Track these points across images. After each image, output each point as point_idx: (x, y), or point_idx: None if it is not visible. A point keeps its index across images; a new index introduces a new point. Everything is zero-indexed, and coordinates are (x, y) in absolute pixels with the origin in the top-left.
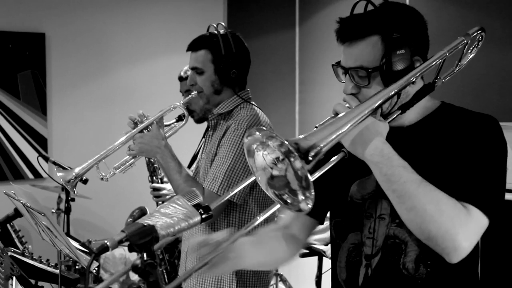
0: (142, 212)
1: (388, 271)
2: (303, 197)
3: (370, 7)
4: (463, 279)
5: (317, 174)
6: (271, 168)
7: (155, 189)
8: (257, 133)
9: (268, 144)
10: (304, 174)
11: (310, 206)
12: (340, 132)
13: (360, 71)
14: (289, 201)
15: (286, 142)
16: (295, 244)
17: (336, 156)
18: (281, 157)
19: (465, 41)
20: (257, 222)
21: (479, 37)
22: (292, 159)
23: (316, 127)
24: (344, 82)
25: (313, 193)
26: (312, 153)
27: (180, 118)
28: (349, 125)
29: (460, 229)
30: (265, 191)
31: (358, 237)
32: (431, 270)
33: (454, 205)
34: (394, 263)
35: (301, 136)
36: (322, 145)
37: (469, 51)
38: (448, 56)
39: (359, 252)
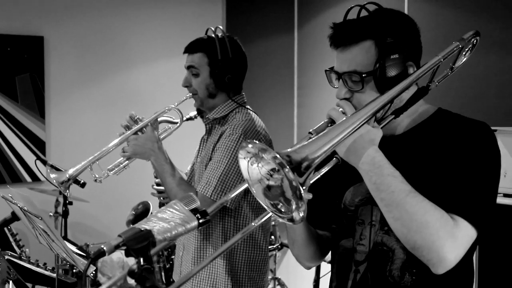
0: (146, 207)
1: (374, 278)
2: (296, 207)
3: (363, 13)
4: None
5: (310, 181)
6: (267, 179)
7: (158, 184)
8: (249, 146)
9: (262, 156)
10: (296, 186)
11: (302, 215)
12: (333, 143)
13: (353, 76)
14: (283, 209)
15: (278, 156)
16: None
17: (329, 163)
18: (276, 168)
19: (460, 45)
20: (252, 229)
21: (473, 41)
22: (286, 170)
23: (310, 132)
24: (337, 88)
25: (305, 204)
26: (304, 165)
27: (190, 118)
28: (343, 135)
29: (446, 241)
30: (260, 202)
31: (350, 243)
32: (416, 278)
33: (441, 216)
34: (380, 270)
35: (292, 149)
36: (313, 157)
37: (464, 54)
38: (443, 62)
39: (350, 258)
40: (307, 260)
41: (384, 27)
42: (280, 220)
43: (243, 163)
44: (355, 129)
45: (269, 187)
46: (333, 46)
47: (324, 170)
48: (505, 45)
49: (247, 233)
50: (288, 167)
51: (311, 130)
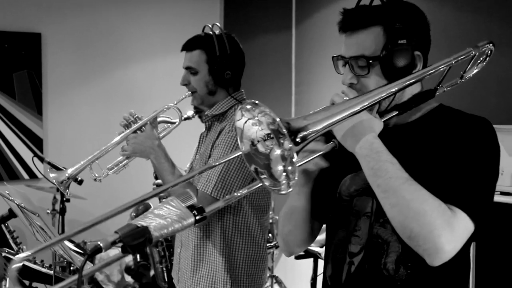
0: (146, 207)
1: (369, 270)
2: (286, 179)
3: (375, 4)
4: (445, 285)
5: (304, 161)
6: (259, 142)
7: (158, 186)
8: (250, 106)
9: (262, 120)
10: (291, 155)
11: (292, 189)
12: (334, 120)
13: (360, 61)
14: (267, 183)
15: (278, 119)
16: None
17: (326, 145)
18: (271, 135)
19: (473, 52)
20: (238, 198)
21: (488, 52)
22: (281, 139)
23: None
24: (342, 74)
25: (296, 175)
26: (301, 135)
27: (188, 118)
28: (344, 114)
29: (443, 231)
30: (248, 166)
31: (345, 234)
32: (411, 271)
33: (439, 206)
34: (375, 263)
35: (293, 117)
36: (313, 129)
37: (476, 63)
38: (453, 65)
39: (345, 249)
40: (297, 242)
41: (394, 14)
42: (267, 184)
43: (241, 119)
44: (357, 111)
45: (259, 152)
46: (342, 31)
47: (320, 152)
48: (504, 43)
49: (233, 200)
50: (286, 132)
51: (312, 111)
